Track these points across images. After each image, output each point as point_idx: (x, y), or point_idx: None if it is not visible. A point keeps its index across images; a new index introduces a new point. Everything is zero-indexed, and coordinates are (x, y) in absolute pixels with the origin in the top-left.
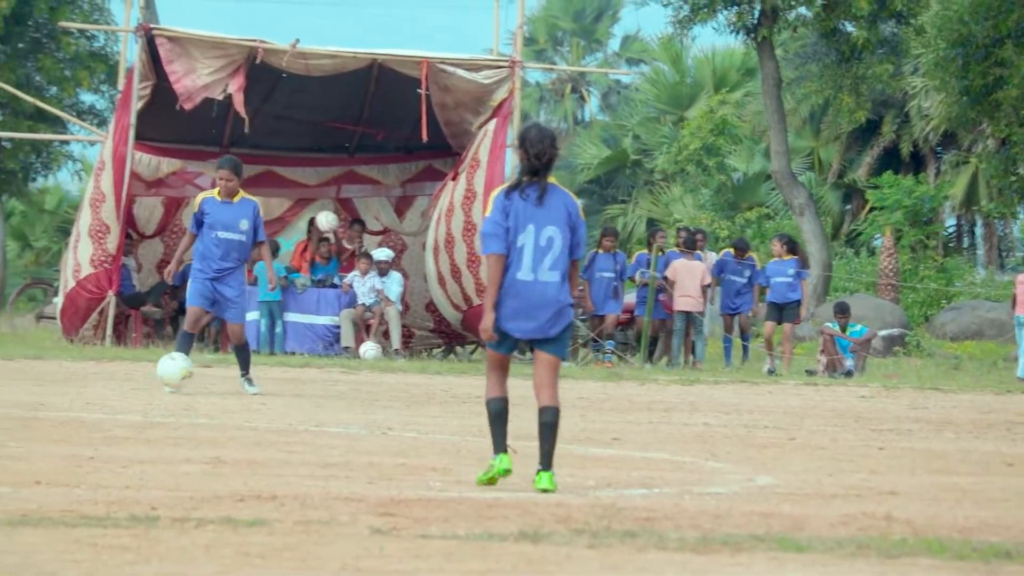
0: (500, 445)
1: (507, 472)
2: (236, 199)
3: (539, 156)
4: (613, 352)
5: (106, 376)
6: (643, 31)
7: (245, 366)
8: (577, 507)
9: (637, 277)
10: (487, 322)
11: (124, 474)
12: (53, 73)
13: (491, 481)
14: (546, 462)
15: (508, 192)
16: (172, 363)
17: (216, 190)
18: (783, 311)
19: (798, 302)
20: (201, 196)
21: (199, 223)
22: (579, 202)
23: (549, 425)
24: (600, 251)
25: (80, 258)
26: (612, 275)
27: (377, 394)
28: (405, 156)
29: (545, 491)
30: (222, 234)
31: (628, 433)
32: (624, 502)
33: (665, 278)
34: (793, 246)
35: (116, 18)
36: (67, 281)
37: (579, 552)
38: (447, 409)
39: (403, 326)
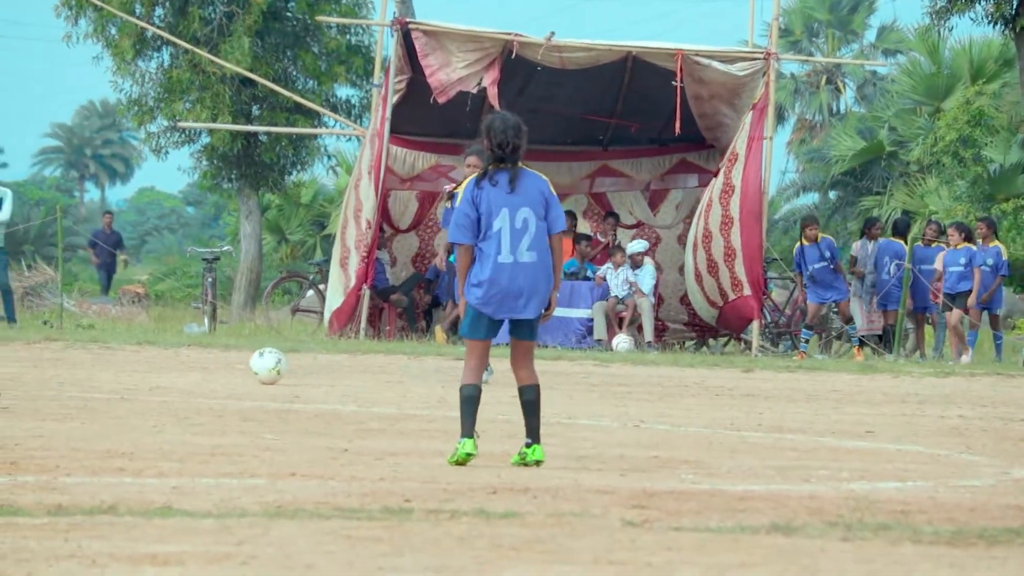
0: (468, 430)
1: (469, 456)
2: None
3: (502, 145)
4: (823, 336)
5: (360, 369)
6: (899, 22)
7: None
8: (830, 500)
9: (892, 269)
10: (460, 310)
11: (378, 466)
12: (311, 67)
13: (460, 463)
14: (534, 435)
15: (477, 181)
16: (260, 360)
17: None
18: (955, 301)
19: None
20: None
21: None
22: (547, 179)
23: (531, 402)
24: (805, 243)
25: (348, 243)
26: (823, 264)
27: (629, 387)
28: (659, 149)
29: (539, 463)
30: None
31: (882, 426)
32: (877, 495)
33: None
34: (969, 234)
35: (373, 13)
36: (347, 279)
37: (832, 545)
38: (699, 402)
39: (656, 319)
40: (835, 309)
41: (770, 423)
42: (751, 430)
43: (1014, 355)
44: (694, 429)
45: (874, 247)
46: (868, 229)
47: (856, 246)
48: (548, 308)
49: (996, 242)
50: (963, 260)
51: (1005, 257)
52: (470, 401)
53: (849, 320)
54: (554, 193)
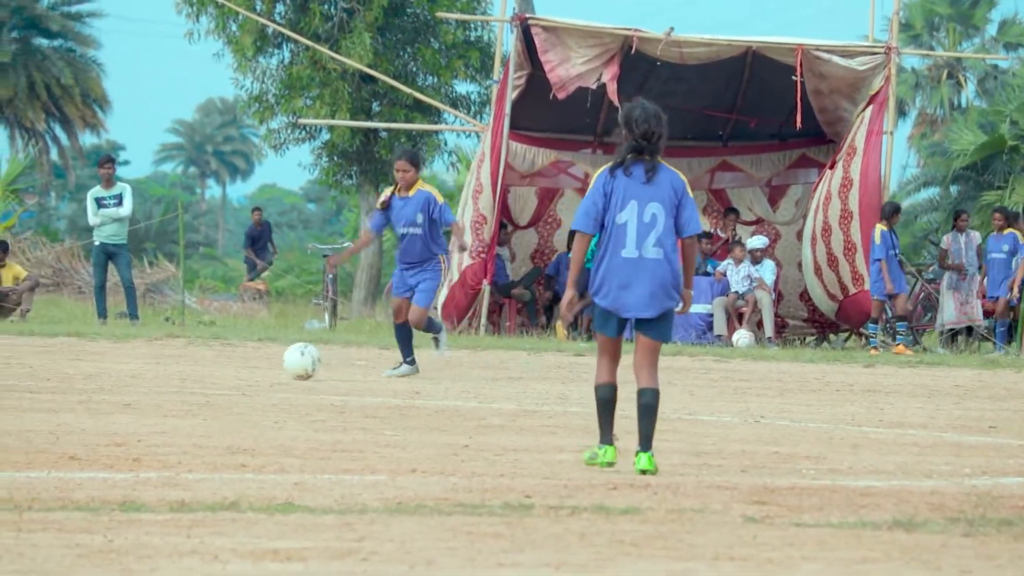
0: (606, 435)
1: (610, 464)
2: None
3: (646, 136)
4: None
5: (480, 364)
6: (1021, 15)
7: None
8: (952, 495)
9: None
10: (566, 298)
11: (498, 462)
12: (430, 63)
13: (599, 464)
14: (646, 444)
15: (612, 170)
16: (299, 358)
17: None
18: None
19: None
20: None
21: None
22: (684, 178)
23: (648, 407)
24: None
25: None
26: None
27: (749, 382)
28: (779, 145)
29: (644, 472)
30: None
31: (1005, 421)
32: (1000, 490)
33: None
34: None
35: (492, 8)
36: (451, 273)
37: (954, 541)
38: (820, 397)
39: (776, 315)
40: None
41: (891, 419)
42: (872, 426)
43: None
44: (814, 425)
45: (965, 239)
46: (956, 221)
47: (947, 239)
48: (684, 305)
49: None
50: (1005, 247)
51: None
52: (606, 404)
53: (902, 316)
54: (690, 194)
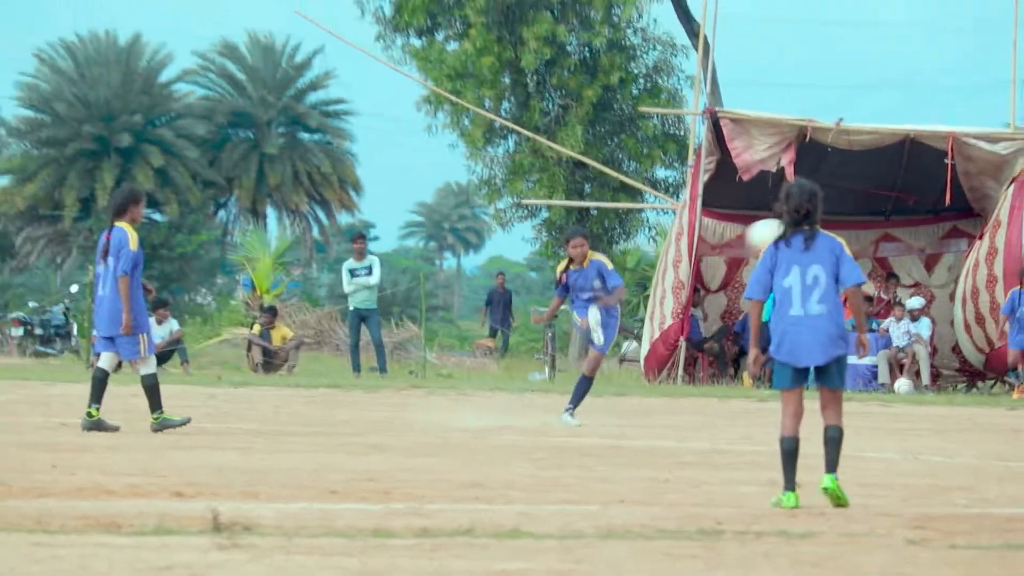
0: (789, 483)
1: (794, 508)
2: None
3: (797, 210)
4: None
5: (677, 410)
6: None
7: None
8: None
9: None
10: (751, 356)
11: (694, 493)
12: (633, 151)
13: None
14: (831, 467)
15: (776, 244)
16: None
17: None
18: None
19: None
20: None
21: None
22: (842, 241)
23: (833, 439)
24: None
25: (665, 311)
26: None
27: (909, 423)
28: (933, 218)
29: (826, 490)
30: None
31: None
32: None
33: None
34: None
35: (686, 103)
36: (652, 331)
37: None
38: (970, 436)
39: (931, 365)
40: None
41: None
42: (1017, 460)
43: None
44: (965, 460)
45: None
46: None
47: None
48: (863, 349)
49: None
50: None
51: None
52: (789, 455)
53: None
54: (847, 252)
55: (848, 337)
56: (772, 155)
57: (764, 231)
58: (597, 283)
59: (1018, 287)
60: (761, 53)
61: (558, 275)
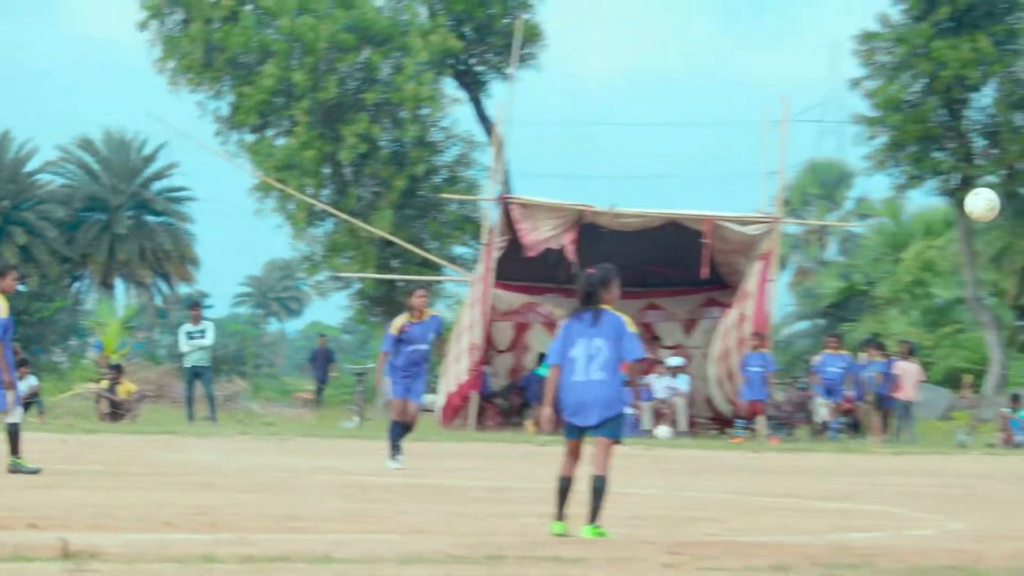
0: (558, 513)
1: (561, 535)
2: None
3: (586, 292)
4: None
5: (469, 453)
6: (871, 194)
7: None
8: (815, 547)
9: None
10: (544, 415)
11: (482, 524)
12: (436, 232)
13: (562, 535)
14: (592, 517)
15: (569, 318)
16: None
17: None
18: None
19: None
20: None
21: None
22: (626, 319)
23: (595, 489)
24: (752, 349)
25: (460, 368)
26: (839, 371)
27: (669, 464)
28: (692, 290)
29: (588, 538)
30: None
31: (853, 491)
32: (850, 542)
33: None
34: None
35: (483, 191)
36: (449, 385)
37: None
38: (720, 475)
39: (688, 415)
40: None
41: (774, 490)
42: (759, 496)
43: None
44: (715, 495)
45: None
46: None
47: (818, 359)
48: (621, 409)
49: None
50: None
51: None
52: (562, 491)
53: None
54: (629, 329)
55: (624, 397)
56: (555, 235)
57: (976, 202)
58: (431, 336)
59: (750, 350)
60: (550, 149)
61: (397, 328)
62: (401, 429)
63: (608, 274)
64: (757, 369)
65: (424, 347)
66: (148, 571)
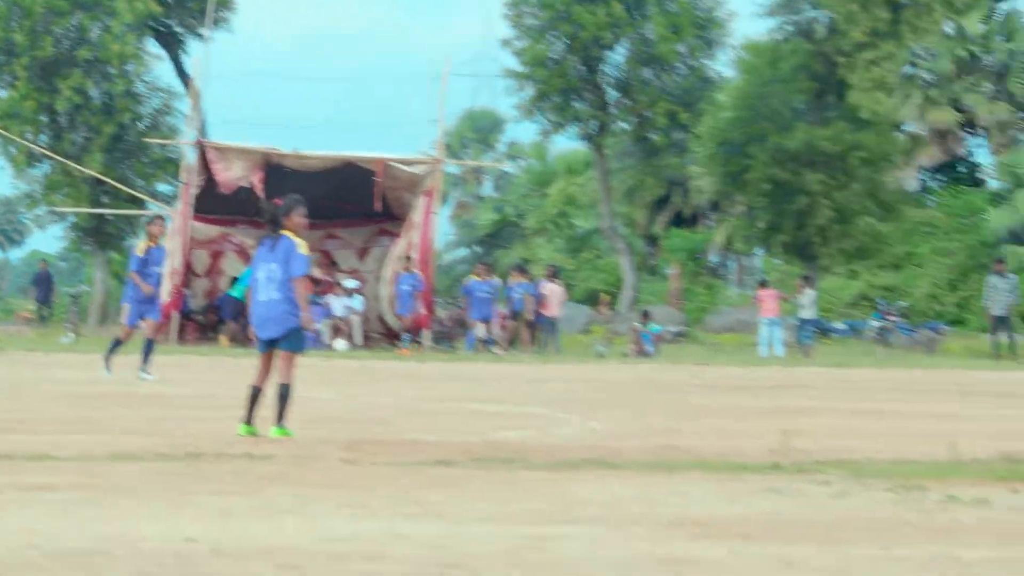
0: (247, 417)
1: (249, 435)
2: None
3: (270, 218)
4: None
5: (173, 364)
6: (520, 138)
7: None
8: (475, 444)
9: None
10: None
11: (184, 427)
12: (141, 172)
13: (249, 436)
14: (278, 419)
15: (259, 244)
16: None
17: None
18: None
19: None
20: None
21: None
22: (298, 242)
23: (280, 395)
24: (476, 278)
25: (162, 291)
26: (486, 294)
27: (347, 374)
28: (366, 221)
29: (275, 437)
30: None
31: (506, 396)
32: (504, 440)
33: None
34: (522, 271)
35: (182, 134)
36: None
37: (473, 472)
38: (389, 383)
39: (363, 331)
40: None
41: (434, 396)
42: (423, 401)
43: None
44: (387, 400)
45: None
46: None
47: (467, 283)
48: (307, 323)
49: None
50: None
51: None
52: (252, 398)
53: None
54: (297, 251)
55: (298, 313)
56: (246, 174)
57: None
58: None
59: (403, 271)
60: (243, 99)
61: (142, 250)
62: (118, 344)
63: (290, 203)
64: (407, 288)
65: (159, 269)
66: None
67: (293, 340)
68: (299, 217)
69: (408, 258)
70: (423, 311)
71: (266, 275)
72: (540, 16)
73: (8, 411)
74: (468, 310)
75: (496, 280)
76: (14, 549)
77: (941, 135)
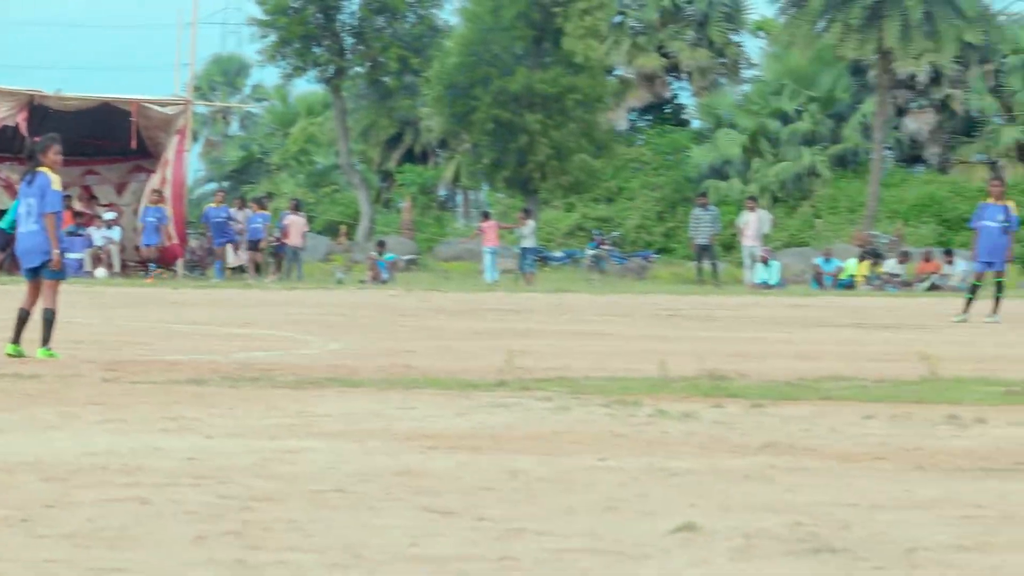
0: (14, 338)
1: (16, 355)
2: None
3: (28, 155)
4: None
5: None
6: (264, 81)
7: None
8: (225, 364)
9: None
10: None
11: None
12: None
13: (16, 355)
14: (43, 342)
15: (22, 179)
16: None
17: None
18: None
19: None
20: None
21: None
22: (53, 177)
23: (45, 320)
24: (151, 203)
25: None
26: (221, 219)
27: (110, 299)
28: (123, 158)
29: (41, 358)
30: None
31: (254, 320)
32: (252, 360)
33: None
34: (263, 203)
35: None
36: None
37: (224, 390)
38: (147, 309)
39: (122, 260)
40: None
41: (187, 320)
42: (179, 324)
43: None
44: (144, 324)
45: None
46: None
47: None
48: (52, 260)
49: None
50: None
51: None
52: (20, 321)
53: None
54: (52, 188)
55: (65, 244)
56: (11, 114)
57: None
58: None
59: (149, 204)
60: (7, 44)
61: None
62: None
63: (46, 140)
64: (153, 220)
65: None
66: None
67: (44, 270)
68: (54, 154)
69: (157, 192)
70: (174, 241)
71: (26, 209)
72: None
73: None
74: (211, 237)
75: (227, 207)
76: None
77: (648, 79)
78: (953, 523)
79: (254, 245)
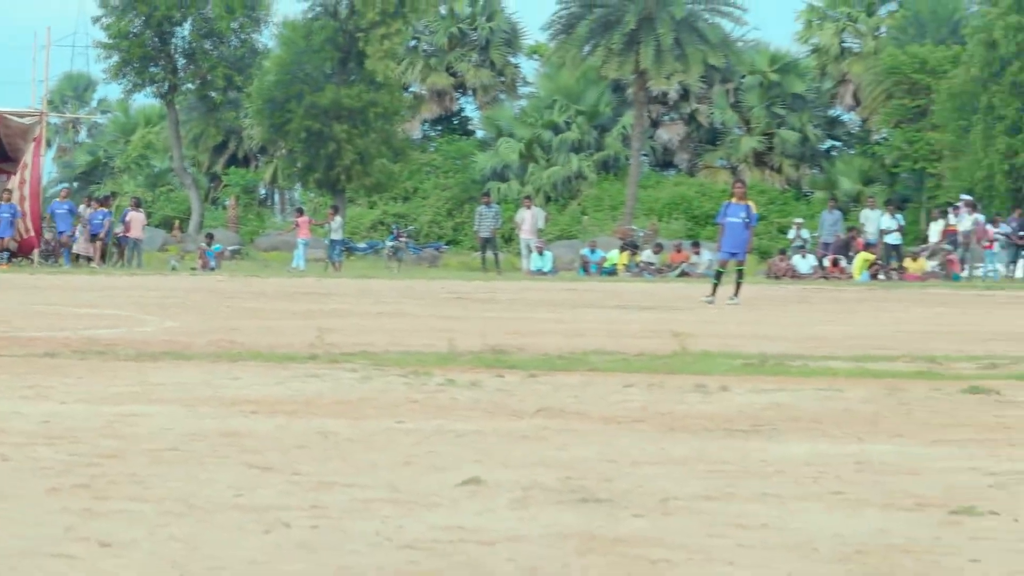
0: None
1: None
2: None
3: None
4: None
5: None
6: (109, 95)
7: None
8: (74, 339)
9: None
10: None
11: None
12: None
13: None
14: None
15: None
16: None
17: None
18: None
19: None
20: None
21: None
22: None
23: None
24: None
25: None
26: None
27: None
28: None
29: None
30: None
31: (99, 302)
32: (98, 336)
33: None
34: (106, 201)
35: None
36: None
37: (75, 362)
38: (9, 294)
39: None
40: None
41: (38, 301)
42: (32, 305)
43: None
44: (4, 306)
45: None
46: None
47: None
48: None
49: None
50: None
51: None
52: None
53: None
54: None
55: None
56: None
57: None
58: None
59: (3, 201)
60: None
61: None
62: None
63: None
64: (7, 215)
65: None
66: None
67: None
68: None
69: (8, 190)
70: (31, 234)
71: None
72: None
73: None
74: (56, 227)
75: (71, 202)
76: None
77: (439, 95)
78: (701, 477)
79: (94, 238)
